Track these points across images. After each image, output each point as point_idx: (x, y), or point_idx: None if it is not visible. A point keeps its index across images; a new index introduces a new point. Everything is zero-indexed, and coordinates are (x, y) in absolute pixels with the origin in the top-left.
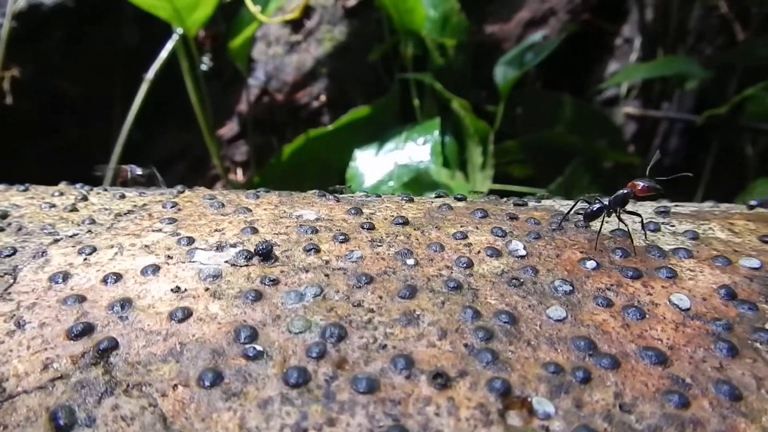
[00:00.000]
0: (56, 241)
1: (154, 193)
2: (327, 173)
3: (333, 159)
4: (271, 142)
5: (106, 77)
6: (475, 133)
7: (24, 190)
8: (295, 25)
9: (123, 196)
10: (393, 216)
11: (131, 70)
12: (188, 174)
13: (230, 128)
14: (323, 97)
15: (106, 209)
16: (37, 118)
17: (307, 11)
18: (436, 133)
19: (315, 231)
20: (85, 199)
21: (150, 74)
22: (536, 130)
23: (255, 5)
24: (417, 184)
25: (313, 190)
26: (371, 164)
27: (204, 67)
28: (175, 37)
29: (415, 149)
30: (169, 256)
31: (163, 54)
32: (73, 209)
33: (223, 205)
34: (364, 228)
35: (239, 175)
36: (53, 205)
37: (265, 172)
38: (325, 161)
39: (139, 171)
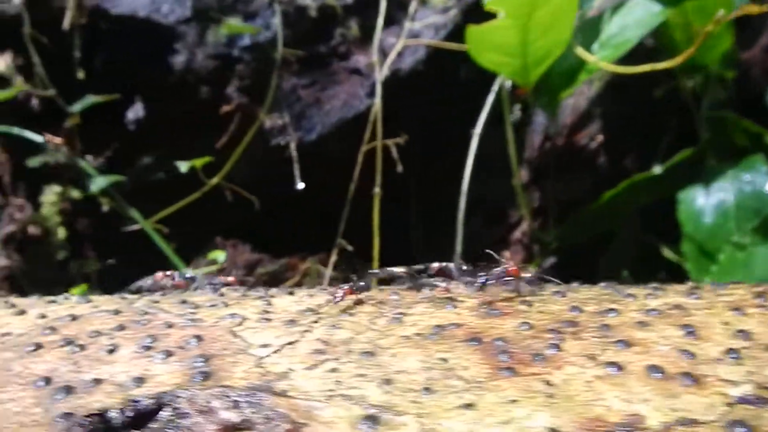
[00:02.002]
0: None
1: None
2: (643, 218)
3: (653, 203)
4: (556, 186)
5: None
6: None
7: None
8: None
9: None
10: None
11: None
12: (486, 224)
13: (522, 175)
14: (600, 138)
15: None
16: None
17: None
18: (766, 170)
19: None
20: None
21: (477, 129)
22: None
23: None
24: (765, 228)
25: None
26: (702, 207)
27: (513, 118)
28: (495, 90)
29: (745, 188)
30: None
31: (486, 109)
32: None
33: None
34: None
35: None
36: None
37: (575, 219)
38: (644, 206)
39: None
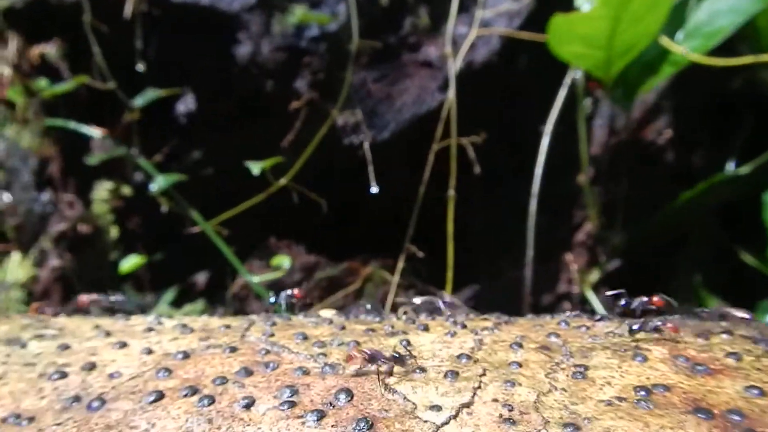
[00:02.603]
0: None
1: None
2: (721, 219)
3: (735, 204)
4: (621, 184)
5: None
6: None
7: None
8: None
9: None
10: None
11: None
12: (549, 225)
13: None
14: (668, 133)
15: None
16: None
17: None
18: None
19: None
20: None
21: (548, 126)
22: None
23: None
24: None
25: None
26: None
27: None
28: (566, 85)
29: None
30: None
31: (559, 104)
32: None
33: None
34: None
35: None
36: None
37: (649, 220)
38: (721, 206)
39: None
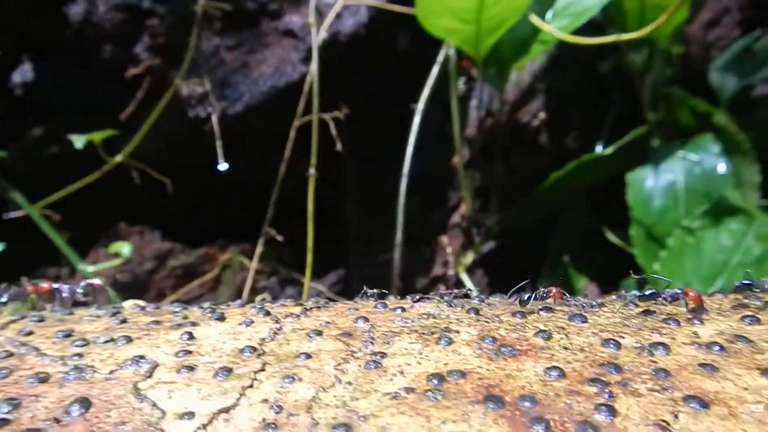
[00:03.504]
0: None
1: None
2: (591, 200)
3: (602, 184)
4: (496, 166)
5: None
6: (751, 149)
7: None
8: None
9: None
10: None
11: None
12: (424, 207)
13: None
14: (542, 115)
15: None
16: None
17: None
18: (717, 150)
19: None
20: None
21: (420, 105)
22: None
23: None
24: (715, 211)
25: None
26: (651, 189)
27: (460, 92)
28: (439, 62)
29: (695, 169)
30: None
31: (431, 82)
32: None
33: None
34: None
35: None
36: None
37: (520, 202)
38: (591, 187)
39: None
